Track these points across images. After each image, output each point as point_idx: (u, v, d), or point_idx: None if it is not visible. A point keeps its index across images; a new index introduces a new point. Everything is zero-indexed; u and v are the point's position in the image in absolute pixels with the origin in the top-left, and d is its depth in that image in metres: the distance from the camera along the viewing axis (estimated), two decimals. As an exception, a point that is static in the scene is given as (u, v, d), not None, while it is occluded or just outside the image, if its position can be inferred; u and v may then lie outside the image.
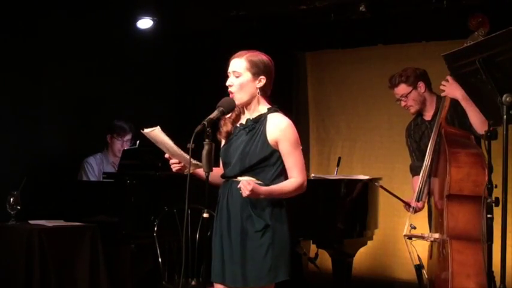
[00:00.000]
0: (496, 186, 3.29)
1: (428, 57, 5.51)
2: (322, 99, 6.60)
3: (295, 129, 3.17)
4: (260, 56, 3.19)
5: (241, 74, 3.15)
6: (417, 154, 4.42)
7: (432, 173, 4.10)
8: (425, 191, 4.17)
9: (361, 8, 5.55)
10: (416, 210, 4.21)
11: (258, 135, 3.13)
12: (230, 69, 3.19)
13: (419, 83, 4.29)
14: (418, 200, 4.16)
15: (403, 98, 4.33)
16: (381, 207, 5.03)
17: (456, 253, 3.70)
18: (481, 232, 3.57)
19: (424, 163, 4.12)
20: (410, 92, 4.29)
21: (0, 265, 4.38)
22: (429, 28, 5.65)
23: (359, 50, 6.22)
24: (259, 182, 3.11)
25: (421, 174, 4.15)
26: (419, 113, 4.38)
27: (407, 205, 4.22)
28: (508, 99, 2.79)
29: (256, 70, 3.15)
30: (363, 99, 6.29)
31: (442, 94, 4.08)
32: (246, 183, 3.00)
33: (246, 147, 3.12)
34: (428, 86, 4.33)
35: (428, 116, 4.33)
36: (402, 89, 4.31)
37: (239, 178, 3.12)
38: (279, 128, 3.13)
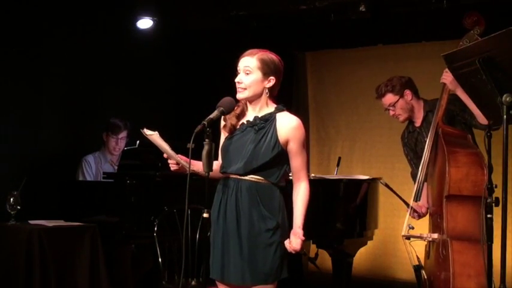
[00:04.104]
0: (496, 186, 3.29)
1: (428, 57, 5.52)
2: (322, 99, 6.60)
3: (303, 128, 3.20)
4: (271, 56, 3.19)
5: (251, 72, 3.15)
6: (415, 162, 4.42)
7: (429, 172, 4.10)
8: (424, 191, 4.16)
9: (361, 8, 5.55)
10: (420, 216, 4.21)
11: (268, 134, 3.14)
12: (240, 66, 3.19)
13: (405, 91, 4.30)
14: (415, 200, 4.15)
15: (390, 108, 4.35)
16: (381, 207, 5.04)
17: (457, 254, 3.69)
18: (481, 232, 3.57)
19: (421, 163, 4.12)
20: (398, 100, 4.31)
21: (0, 265, 4.38)
22: (429, 28, 5.65)
23: (359, 50, 6.22)
24: (265, 182, 3.13)
25: (418, 174, 4.14)
26: (411, 120, 4.39)
27: (413, 211, 4.20)
28: (508, 99, 2.79)
29: (267, 70, 3.15)
30: (363, 99, 6.29)
31: (442, 81, 4.05)
32: (293, 246, 3.10)
33: (258, 147, 3.12)
34: (415, 93, 4.35)
35: (418, 122, 4.35)
36: (389, 98, 4.33)
37: (248, 177, 3.13)
38: (290, 127, 3.15)
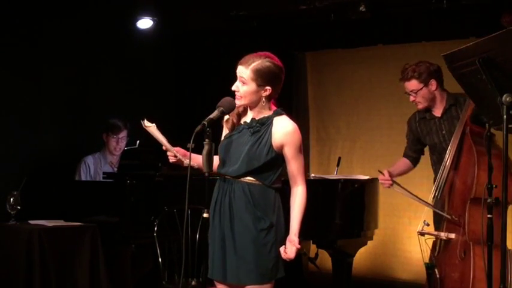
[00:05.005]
0: (496, 186, 3.28)
1: (428, 57, 5.51)
2: (322, 99, 6.60)
3: (300, 133, 3.17)
4: (267, 64, 3.11)
5: (246, 83, 3.11)
6: (410, 145, 4.42)
7: (450, 171, 4.00)
8: (446, 188, 4.05)
9: (361, 8, 5.55)
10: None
11: (264, 138, 3.12)
12: (237, 73, 3.16)
13: (431, 80, 4.18)
14: (438, 197, 4.04)
15: (412, 94, 4.24)
16: (381, 207, 5.03)
17: (479, 258, 3.62)
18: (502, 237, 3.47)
19: (445, 160, 4.02)
20: (421, 89, 4.19)
21: (0, 265, 4.38)
22: (429, 28, 5.65)
23: (359, 50, 6.22)
24: (258, 183, 3.13)
25: (441, 172, 4.04)
26: (428, 109, 4.29)
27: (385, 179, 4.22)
28: (508, 99, 2.79)
29: (261, 81, 3.10)
30: (363, 99, 6.29)
31: None
32: (287, 255, 3.10)
33: (252, 150, 3.11)
34: (440, 84, 4.23)
35: (437, 112, 4.25)
36: (413, 84, 4.21)
37: (242, 178, 3.13)
38: (285, 132, 3.12)
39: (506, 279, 3.28)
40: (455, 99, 4.19)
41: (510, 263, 3.57)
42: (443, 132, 4.21)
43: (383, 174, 4.28)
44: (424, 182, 5.29)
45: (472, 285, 3.65)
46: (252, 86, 3.11)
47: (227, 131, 3.28)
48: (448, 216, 3.93)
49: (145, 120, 3.24)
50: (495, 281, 3.39)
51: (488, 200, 3.26)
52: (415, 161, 4.48)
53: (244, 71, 3.12)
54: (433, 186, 4.21)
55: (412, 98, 4.26)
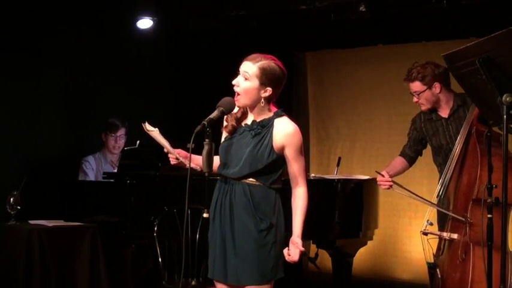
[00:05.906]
0: (496, 187, 3.28)
1: (428, 57, 5.51)
2: (322, 99, 6.60)
3: (300, 134, 3.18)
4: (273, 66, 3.13)
5: (249, 79, 3.12)
6: (411, 144, 4.39)
7: (456, 171, 3.99)
8: (451, 188, 4.03)
9: (361, 8, 5.55)
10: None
11: (265, 141, 3.13)
12: (241, 68, 3.17)
13: (435, 83, 4.16)
14: (442, 196, 4.02)
15: (415, 95, 4.23)
16: (381, 207, 5.03)
17: (478, 260, 3.60)
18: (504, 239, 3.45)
19: (450, 160, 4.01)
20: (424, 91, 4.17)
21: (0, 265, 4.38)
22: (429, 28, 5.65)
23: (359, 50, 6.22)
24: (259, 184, 3.13)
25: (445, 171, 4.04)
26: (434, 109, 4.27)
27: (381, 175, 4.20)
28: (508, 99, 2.79)
29: (265, 80, 3.12)
30: (363, 99, 6.29)
31: None
32: (292, 257, 3.11)
33: (253, 152, 3.12)
34: (446, 86, 4.20)
35: (444, 113, 4.23)
36: (416, 86, 4.20)
37: (243, 181, 3.14)
38: (285, 133, 3.13)
39: (506, 280, 3.28)
40: (463, 100, 4.16)
41: (510, 264, 3.56)
42: (451, 133, 4.18)
43: (382, 175, 4.25)
44: (424, 182, 5.32)
45: (470, 286, 3.64)
46: (254, 83, 3.12)
47: (226, 135, 3.28)
48: (454, 215, 3.91)
49: (147, 124, 3.24)
50: (495, 281, 3.42)
51: (488, 200, 3.26)
52: (412, 161, 4.45)
53: (250, 67, 3.13)
54: (436, 186, 4.20)
55: (415, 99, 4.26)
